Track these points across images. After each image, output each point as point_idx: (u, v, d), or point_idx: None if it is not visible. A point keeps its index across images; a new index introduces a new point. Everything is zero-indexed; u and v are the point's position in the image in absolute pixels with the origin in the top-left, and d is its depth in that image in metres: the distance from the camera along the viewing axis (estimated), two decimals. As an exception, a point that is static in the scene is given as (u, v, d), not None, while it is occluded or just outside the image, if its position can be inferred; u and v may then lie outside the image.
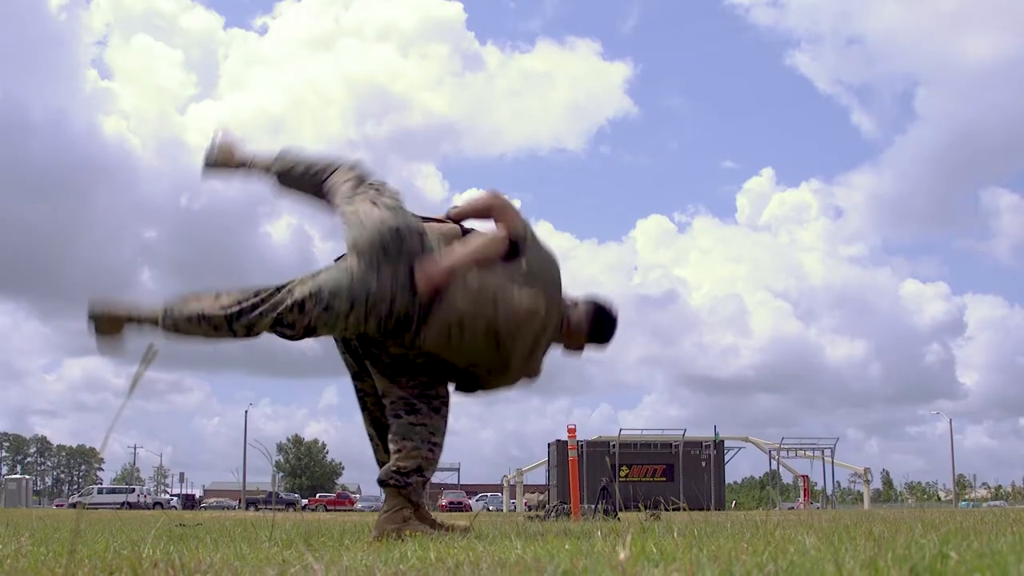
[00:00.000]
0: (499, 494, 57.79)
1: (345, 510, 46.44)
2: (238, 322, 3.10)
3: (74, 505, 44.91)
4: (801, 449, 47.90)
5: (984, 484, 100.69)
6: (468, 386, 3.52)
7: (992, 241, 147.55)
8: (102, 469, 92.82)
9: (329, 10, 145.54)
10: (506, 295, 3.33)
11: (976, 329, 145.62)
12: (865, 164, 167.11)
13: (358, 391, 3.60)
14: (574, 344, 3.78)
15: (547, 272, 3.59)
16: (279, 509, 33.66)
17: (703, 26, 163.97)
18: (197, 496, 68.18)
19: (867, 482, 51.84)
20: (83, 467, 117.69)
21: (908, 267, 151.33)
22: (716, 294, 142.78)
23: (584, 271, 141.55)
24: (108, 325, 3.20)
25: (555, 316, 3.51)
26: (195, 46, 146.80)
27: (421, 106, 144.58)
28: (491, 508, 46.61)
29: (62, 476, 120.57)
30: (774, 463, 48.11)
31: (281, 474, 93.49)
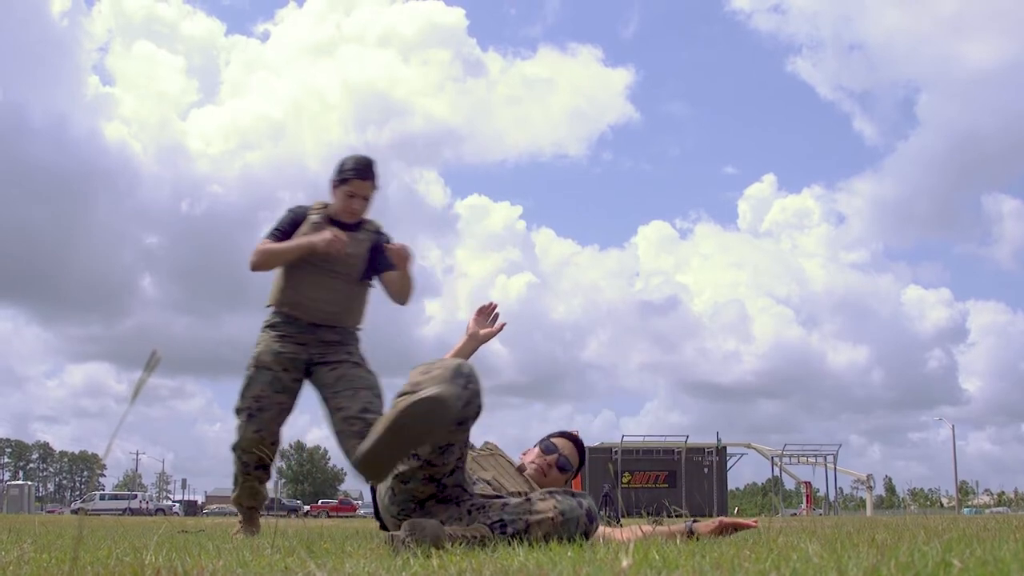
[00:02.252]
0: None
1: (347, 516, 46.42)
2: None
3: (76, 511, 44.86)
4: (803, 455, 47.87)
5: (987, 490, 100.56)
6: None
7: (994, 247, 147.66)
8: (104, 475, 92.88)
9: (330, 16, 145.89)
10: None
11: (978, 335, 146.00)
12: (867, 170, 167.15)
13: None
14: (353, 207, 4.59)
15: None
16: (281, 515, 33.58)
17: (704, 32, 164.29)
18: (199, 502, 68.13)
19: (870, 488, 51.77)
20: (85, 473, 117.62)
21: (910, 273, 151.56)
22: (718, 300, 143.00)
23: (586, 277, 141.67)
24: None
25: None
26: (196, 52, 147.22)
27: (422, 112, 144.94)
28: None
29: (64, 482, 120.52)
30: (776, 469, 48.08)
31: (283, 480, 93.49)
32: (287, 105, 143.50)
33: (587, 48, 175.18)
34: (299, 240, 4.55)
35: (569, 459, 3.47)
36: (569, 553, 2.18)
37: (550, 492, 2.82)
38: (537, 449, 3.45)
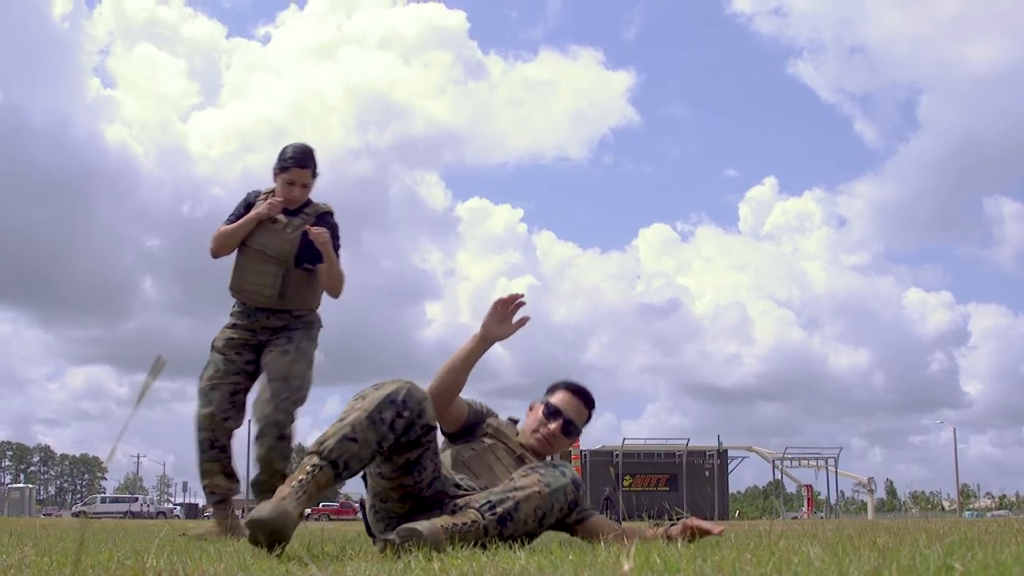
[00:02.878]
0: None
1: (348, 519, 46.36)
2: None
3: (78, 514, 44.83)
4: (805, 459, 47.80)
5: (988, 494, 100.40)
6: None
7: (996, 249, 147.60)
8: (105, 478, 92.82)
9: (331, 19, 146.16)
10: None
11: (980, 338, 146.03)
12: (868, 173, 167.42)
13: None
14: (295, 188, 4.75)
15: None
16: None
17: (705, 35, 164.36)
18: (200, 505, 68.04)
19: (871, 492, 51.77)
20: (86, 476, 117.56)
21: (911, 276, 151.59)
22: (719, 303, 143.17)
23: (587, 280, 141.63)
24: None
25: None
26: (197, 55, 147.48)
27: (423, 114, 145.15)
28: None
29: (65, 485, 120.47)
30: (777, 472, 48.01)
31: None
32: (288, 107, 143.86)
33: (588, 51, 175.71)
34: (248, 216, 4.84)
35: (575, 420, 3.23)
36: (571, 557, 2.18)
37: (532, 468, 2.82)
38: (540, 414, 3.24)
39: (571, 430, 3.22)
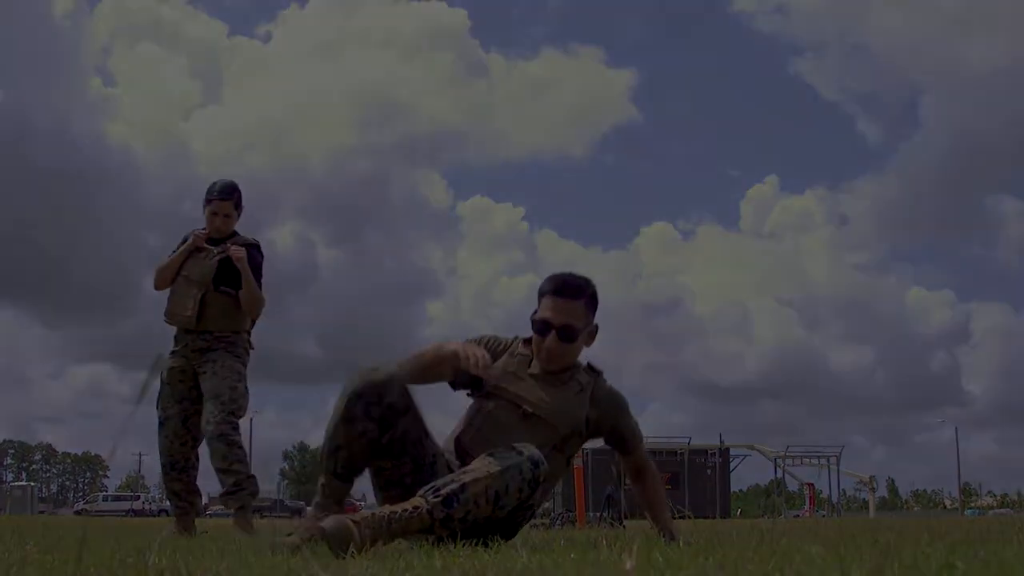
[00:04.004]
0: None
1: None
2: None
3: (80, 512, 44.88)
4: (806, 457, 47.76)
5: (990, 492, 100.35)
6: None
7: (998, 248, 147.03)
8: (107, 476, 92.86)
9: (333, 17, 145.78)
10: None
11: (982, 336, 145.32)
12: (870, 171, 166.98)
13: None
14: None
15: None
16: (284, 517, 33.57)
17: (707, 33, 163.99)
18: (202, 503, 68.07)
19: (872, 490, 51.72)
20: (88, 474, 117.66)
21: (913, 274, 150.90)
22: (720, 301, 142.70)
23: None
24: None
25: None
26: (199, 54, 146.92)
27: (425, 113, 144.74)
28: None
29: (67, 483, 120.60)
30: (779, 471, 47.99)
31: (286, 481, 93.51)
32: (289, 106, 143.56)
33: (590, 49, 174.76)
34: (180, 248, 5.34)
35: (569, 322, 3.02)
36: (572, 555, 2.18)
37: (488, 452, 2.74)
38: (534, 333, 3.09)
39: (570, 335, 3.03)
